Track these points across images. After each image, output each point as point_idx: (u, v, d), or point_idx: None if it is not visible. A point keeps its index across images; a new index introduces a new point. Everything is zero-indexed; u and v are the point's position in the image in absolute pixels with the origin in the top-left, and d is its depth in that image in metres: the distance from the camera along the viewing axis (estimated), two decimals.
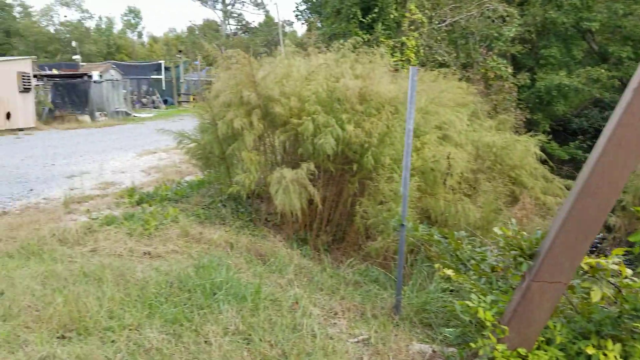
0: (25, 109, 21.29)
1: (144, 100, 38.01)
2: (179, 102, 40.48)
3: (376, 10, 15.97)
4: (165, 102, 39.12)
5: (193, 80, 44.12)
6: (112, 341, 3.51)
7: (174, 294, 4.29)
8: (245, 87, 6.44)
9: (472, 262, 4.13)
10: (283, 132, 6.54)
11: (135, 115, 29.82)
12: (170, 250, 5.65)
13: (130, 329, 3.67)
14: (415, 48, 15.75)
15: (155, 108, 37.15)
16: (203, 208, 7.30)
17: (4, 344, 3.43)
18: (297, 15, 28.11)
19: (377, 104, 6.34)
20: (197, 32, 67.04)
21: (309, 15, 26.74)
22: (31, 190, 9.33)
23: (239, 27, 67.80)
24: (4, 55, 51.36)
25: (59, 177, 10.54)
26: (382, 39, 15.50)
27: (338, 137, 6.02)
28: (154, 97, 38.44)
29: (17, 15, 65.95)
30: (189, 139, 7.57)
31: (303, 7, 26.79)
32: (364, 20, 16.18)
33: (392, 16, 16.09)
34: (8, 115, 20.10)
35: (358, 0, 16.13)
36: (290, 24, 67.02)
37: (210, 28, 65.86)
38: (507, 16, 17.43)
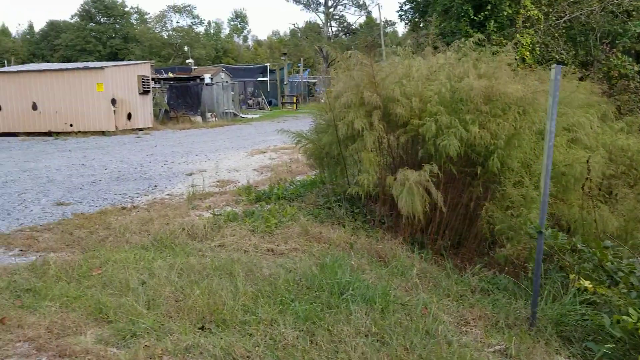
0: (144, 110, 22.78)
1: (249, 101, 39.52)
2: (282, 104, 41.59)
3: (488, 7, 15.45)
4: (270, 103, 40.37)
5: (296, 82, 45.18)
6: (250, 335, 3.60)
7: (302, 292, 4.35)
8: (366, 88, 6.43)
9: (621, 274, 3.83)
10: (403, 133, 6.45)
11: (242, 116, 31.04)
12: (292, 248, 5.76)
13: (265, 324, 3.75)
14: (530, 46, 15.05)
15: (260, 109, 38.48)
16: (318, 207, 7.38)
17: (151, 332, 3.63)
18: (400, 16, 27.82)
19: (503, 104, 6.08)
20: (299, 35, 68.50)
21: (413, 15, 26.40)
22: (155, 186, 9.91)
23: (340, 28, 68.43)
24: (122, 59, 55.53)
25: (179, 174, 11.15)
26: (494, 37, 14.96)
27: (461, 139, 5.84)
28: (259, 99, 39.81)
29: (134, 22, 71.14)
30: (306, 139, 7.68)
31: (407, 6, 26.51)
32: (475, 18, 15.71)
33: (505, 13, 15.50)
34: (129, 116, 21.59)
35: None
36: (393, 24, 66.69)
37: (312, 30, 66.98)
38: (633, 10, 16.19)
